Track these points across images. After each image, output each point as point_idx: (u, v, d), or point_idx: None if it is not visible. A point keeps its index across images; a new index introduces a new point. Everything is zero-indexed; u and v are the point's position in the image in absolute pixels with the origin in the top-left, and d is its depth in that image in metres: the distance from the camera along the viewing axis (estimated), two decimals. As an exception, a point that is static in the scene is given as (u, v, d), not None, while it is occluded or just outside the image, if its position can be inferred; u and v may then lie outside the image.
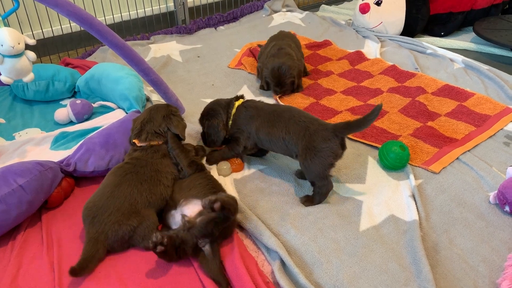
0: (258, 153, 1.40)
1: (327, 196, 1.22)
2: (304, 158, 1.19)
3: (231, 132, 1.34)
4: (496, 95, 1.75)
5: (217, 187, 1.14)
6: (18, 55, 1.25)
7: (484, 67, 1.94)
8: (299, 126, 1.21)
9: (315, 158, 1.17)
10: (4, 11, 1.79)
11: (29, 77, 1.32)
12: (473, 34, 2.26)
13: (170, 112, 1.24)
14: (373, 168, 1.37)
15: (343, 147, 1.20)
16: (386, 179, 1.32)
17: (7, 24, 1.29)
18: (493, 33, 2.17)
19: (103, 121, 1.57)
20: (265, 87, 1.83)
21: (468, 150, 1.43)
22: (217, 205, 0.96)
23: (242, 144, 1.32)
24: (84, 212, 1.06)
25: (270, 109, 1.30)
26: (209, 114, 1.36)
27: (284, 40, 1.90)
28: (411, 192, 1.25)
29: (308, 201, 1.22)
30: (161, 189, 1.11)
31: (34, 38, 2.07)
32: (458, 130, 1.53)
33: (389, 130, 1.54)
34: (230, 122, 1.34)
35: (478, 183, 1.29)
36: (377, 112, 1.09)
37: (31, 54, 1.29)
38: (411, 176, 1.30)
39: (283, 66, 1.74)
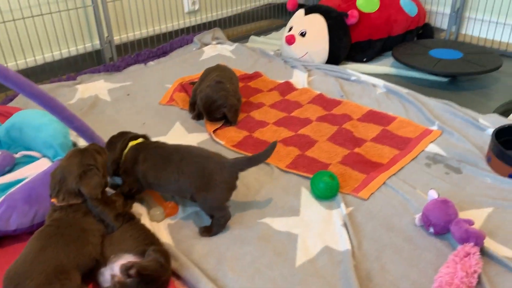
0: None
1: (225, 226, 1.26)
2: (201, 196, 1.23)
3: (121, 171, 1.34)
4: (416, 117, 1.86)
5: (149, 238, 1.10)
6: None
7: (404, 90, 2.07)
8: (193, 167, 1.24)
9: (213, 195, 1.22)
10: None
11: None
12: (392, 59, 2.41)
13: (82, 169, 1.13)
14: (306, 199, 1.40)
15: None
16: (319, 209, 1.35)
17: None
18: (410, 58, 2.32)
19: (27, 172, 1.49)
20: (196, 118, 1.86)
21: (394, 174, 1.50)
22: (133, 272, 0.93)
23: (127, 187, 1.33)
24: (4, 281, 0.98)
25: (159, 152, 1.31)
26: (108, 147, 1.36)
27: (222, 73, 1.92)
28: (343, 221, 1.29)
29: (206, 231, 1.25)
30: (89, 249, 1.06)
31: None
32: (383, 154, 1.61)
33: (319, 159, 1.59)
34: (121, 161, 1.34)
35: (404, 207, 1.35)
36: (272, 148, 1.24)
37: None
38: (342, 205, 1.34)
39: (216, 98, 1.77)
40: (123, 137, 1.38)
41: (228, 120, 1.83)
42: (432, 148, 1.65)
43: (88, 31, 2.39)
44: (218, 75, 1.88)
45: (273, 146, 1.24)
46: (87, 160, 1.15)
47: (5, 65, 2.13)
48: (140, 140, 1.38)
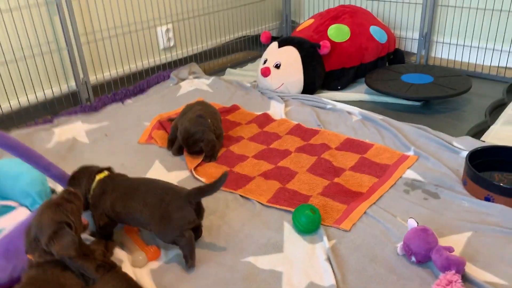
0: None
1: (195, 248, 1.27)
2: (159, 228, 1.26)
3: (90, 206, 1.35)
4: (392, 143, 1.90)
5: (133, 286, 1.09)
6: None
7: (378, 117, 2.11)
8: (155, 198, 1.27)
9: (170, 227, 1.25)
10: None
11: None
12: (366, 85, 2.47)
13: (53, 229, 1.08)
14: (289, 234, 1.40)
15: (199, 211, 1.30)
16: (302, 244, 1.36)
17: None
18: (382, 84, 2.38)
19: (5, 223, 1.46)
20: (176, 152, 1.89)
21: (374, 203, 1.52)
22: None
23: (96, 222, 1.34)
24: None
25: (127, 183, 1.35)
26: (72, 184, 1.36)
27: (204, 107, 1.97)
28: (326, 255, 1.29)
29: (188, 261, 1.27)
30: None
31: None
32: (363, 183, 1.63)
33: (300, 192, 1.60)
34: (90, 195, 1.35)
35: (386, 236, 1.37)
36: (224, 178, 1.26)
37: None
38: (325, 238, 1.35)
39: (194, 132, 1.80)
40: (87, 171, 1.39)
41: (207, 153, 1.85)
42: (410, 174, 1.68)
43: (63, 73, 2.39)
44: (200, 109, 1.93)
45: (224, 176, 1.26)
46: (58, 216, 1.11)
47: (-21, 112, 2.11)
48: (106, 173, 1.40)
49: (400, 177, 1.66)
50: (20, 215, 1.49)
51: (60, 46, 2.33)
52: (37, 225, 1.10)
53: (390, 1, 2.98)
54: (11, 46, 2.15)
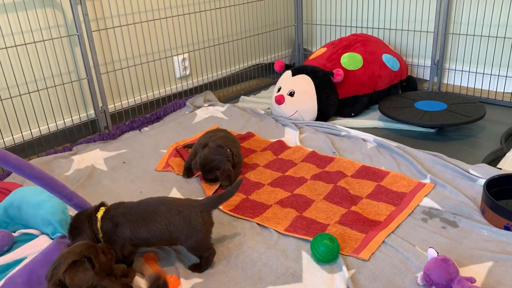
0: None
1: (212, 261, 1.39)
2: (190, 242, 1.35)
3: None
4: (408, 171, 1.91)
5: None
6: None
7: (393, 144, 2.12)
8: (179, 217, 1.34)
9: (200, 238, 1.35)
10: None
11: None
12: (379, 112, 2.49)
13: (73, 259, 1.10)
14: (308, 263, 1.40)
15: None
16: (321, 273, 1.35)
17: None
18: (396, 111, 2.40)
19: (27, 251, 1.48)
20: (186, 173, 1.97)
21: (392, 232, 1.52)
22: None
23: (119, 253, 1.34)
24: None
25: (139, 209, 1.37)
26: (73, 234, 1.36)
27: (225, 135, 2.01)
28: (346, 285, 1.29)
29: (196, 268, 1.38)
30: None
31: None
32: (380, 211, 1.63)
33: (317, 220, 1.60)
34: (100, 235, 1.35)
35: (405, 265, 1.36)
36: (238, 184, 1.43)
37: None
38: (344, 268, 1.35)
39: (212, 159, 1.84)
40: (82, 216, 1.37)
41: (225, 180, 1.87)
42: (427, 202, 1.68)
43: (82, 102, 2.45)
44: (221, 137, 1.98)
45: (239, 182, 1.43)
46: (85, 251, 1.12)
47: (1, 139, 2.17)
48: (103, 208, 1.39)
49: (418, 205, 1.66)
50: (41, 243, 1.51)
51: (80, 76, 2.40)
52: (65, 253, 1.13)
53: (402, 30, 3.03)
54: (34, 77, 2.22)
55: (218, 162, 1.85)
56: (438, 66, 2.87)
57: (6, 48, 2.09)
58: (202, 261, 1.38)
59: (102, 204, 1.42)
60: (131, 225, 1.34)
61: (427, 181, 1.81)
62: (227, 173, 1.85)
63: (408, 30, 3.01)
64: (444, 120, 2.27)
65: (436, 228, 1.53)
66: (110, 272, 1.18)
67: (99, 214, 1.37)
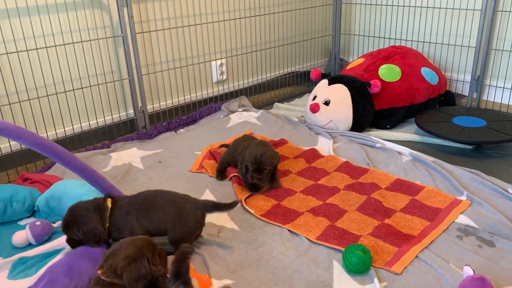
0: None
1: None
2: (175, 232, 1.41)
3: (113, 236, 1.40)
4: (444, 187, 1.87)
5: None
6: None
7: (429, 159, 2.09)
8: (174, 207, 1.43)
9: (185, 232, 1.42)
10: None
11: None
12: (416, 126, 2.46)
13: (135, 256, 1.13)
14: (339, 273, 1.40)
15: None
16: (352, 284, 1.35)
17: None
18: (433, 126, 2.37)
19: (64, 242, 1.54)
20: (243, 171, 1.85)
21: (426, 247, 1.49)
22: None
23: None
24: None
25: (141, 199, 1.44)
26: (79, 222, 1.36)
27: (263, 143, 1.99)
28: (377, 297, 1.28)
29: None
30: None
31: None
32: (414, 226, 1.61)
33: (350, 231, 1.60)
34: (107, 224, 1.39)
35: (438, 282, 1.34)
36: (234, 205, 1.49)
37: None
38: (376, 280, 1.34)
39: (266, 153, 1.82)
40: (88, 206, 1.40)
41: (272, 178, 1.89)
42: (463, 219, 1.64)
43: (123, 102, 2.53)
44: (259, 142, 1.96)
45: (235, 203, 1.51)
46: (148, 251, 1.15)
47: (46, 133, 2.26)
48: (109, 199, 1.44)
49: (453, 222, 1.63)
50: (79, 235, 1.57)
51: (122, 76, 2.48)
52: (123, 245, 1.15)
53: (442, 44, 2.99)
54: (79, 75, 2.31)
55: (271, 158, 1.81)
56: (478, 82, 2.81)
57: (55, 46, 2.18)
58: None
59: (109, 196, 1.47)
60: (137, 214, 1.41)
61: (463, 198, 1.78)
62: (277, 164, 1.88)
63: (448, 44, 2.96)
64: (483, 137, 2.22)
65: (472, 246, 1.50)
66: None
67: (109, 203, 1.42)
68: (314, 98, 2.56)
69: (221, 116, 2.78)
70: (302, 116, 2.76)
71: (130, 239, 1.18)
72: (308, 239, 1.57)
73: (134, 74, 2.44)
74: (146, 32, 2.49)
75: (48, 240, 1.59)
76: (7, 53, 2.03)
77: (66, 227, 1.38)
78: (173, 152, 2.30)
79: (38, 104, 2.20)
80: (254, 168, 1.80)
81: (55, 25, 2.18)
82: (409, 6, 3.08)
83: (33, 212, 1.76)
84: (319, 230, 1.61)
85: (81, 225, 1.36)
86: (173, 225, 1.41)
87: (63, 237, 1.57)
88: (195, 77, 2.81)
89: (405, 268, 1.40)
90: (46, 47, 2.15)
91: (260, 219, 1.70)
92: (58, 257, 1.40)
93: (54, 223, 1.66)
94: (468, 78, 2.89)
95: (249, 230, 1.63)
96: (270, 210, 1.76)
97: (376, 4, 3.27)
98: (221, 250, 1.52)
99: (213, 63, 2.88)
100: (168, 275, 1.15)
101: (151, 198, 1.45)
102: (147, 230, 1.42)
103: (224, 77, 2.96)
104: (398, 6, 3.15)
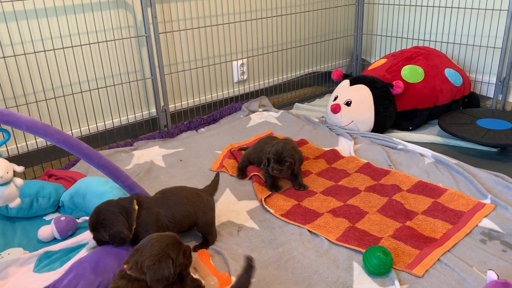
0: None
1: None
2: (205, 219, 1.54)
3: (140, 237, 1.38)
4: (467, 190, 1.84)
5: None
6: (5, 183, 1.28)
7: (452, 161, 2.06)
8: (196, 199, 1.54)
9: (211, 216, 1.57)
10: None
11: (15, 203, 1.34)
12: (438, 127, 2.42)
13: (160, 256, 1.13)
14: (359, 274, 1.39)
15: None
16: (373, 286, 1.34)
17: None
18: (457, 128, 2.33)
19: (88, 237, 1.57)
20: (265, 165, 1.89)
21: (448, 250, 1.47)
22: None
23: None
24: None
25: (165, 196, 1.53)
26: (106, 225, 1.37)
27: (287, 141, 1.98)
28: (398, 300, 1.27)
29: (203, 245, 1.53)
30: None
31: (18, 151, 2.12)
32: (436, 229, 1.59)
33: (370, 232, 1.58)
34: (134, 226, 1.41)
35: (461, 285, 1.32)
36: (218, 176, 1.72)
37: (19, 181, 1.33)
38: (396, 282, 1.33)
39: (287, 145, 1.84)
40: (114, 206, 1.41)
41: (292, 173, 1.91)
42: (487, 223, 1.62)
43: (146, 101, 2.56)
44: (284, 139, 1.96)
45: (217, 175, 1.70)
46: (172, 252, 1.15)
47: (70, 131, 2.31)
48: (135, 200, 1.47)
49: (476, 225, 1.60)
50: (102, 231, 1.60)
51: (145, 75, 2.51)
52: (149, 241, 1.16)
53: (467, 45, 2.93)
54: (103, 74, 2.35)
55: (292, 151, 1.83)
56: (504, 84, 2.75)
57: (81, 45, 2.23)
58: (209, 238, 1.55)
59: (135, 197, 1.48)
60: (165, 211, 1.47)
61: (487, 201, 1.75)
62: (301, 160, 1.89)
63: (473, 45, 2.91)
64: (509, 139, 2.17)
65: (496, 251, 1.47)
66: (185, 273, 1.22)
67: (135, 205, 1.44)
68: (335, 98, 2.54)
69: (242, 116, 2.79)
70: (323, 117, 2.75)
71: (157, 236, 1.19)
72: (328, 240, 1.56)
73: (157, 73, 2.48)
74: (169, 32, 2.52)
75: (72, 235, 1.62)
76: (34, 52, 2.09)
77: (93, 229, 1.39)
78: (194, 151, 2.32)
79: (64, 102, 2.25)
80: (275, 159, 1.83)
81: (81, 24, 2.22)
82: (433, 6, 3.04)
83: (57, 207, 1.80)
84: (339, 231, 1.60)
85: (107, 228, 1.37)
86: (202, 213, 1.53)
87: (87, 233, 1.60)
88: (216, 77, 2.83)
89: (426, 271, 1.38)
90: (72, 46, 2.20)
91: (280, 219, 1.71)
92: (82, 252, 1.43)
93: (78, 218, 1.69)
94: (493, 79, 2.83)
95: (268, 230, 1.64)
96: (290, 210, 1.76)
97: (399, 4, 3.23)
98: (241, 249, 1.53)
99: (234, 63, 2.89)
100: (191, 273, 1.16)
101: (176, 194, 1.53)
102: (174, 226, 1.48)
103: (245, 77, 2.97)
104: (421, 6, 3.11)
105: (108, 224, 1.37)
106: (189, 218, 1.51)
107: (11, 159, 1.76)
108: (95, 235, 1.40)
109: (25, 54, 2.07)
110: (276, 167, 1.82)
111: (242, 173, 2.04)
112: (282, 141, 1.89)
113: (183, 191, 1.56)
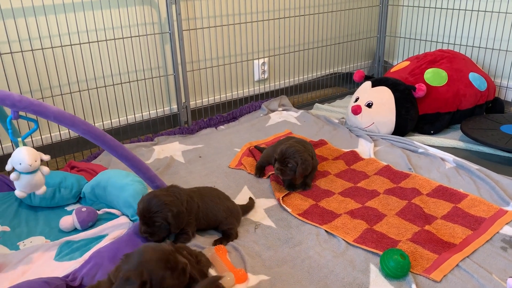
0: None
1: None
2: (231, 220, 1.61)
3: (189, 221, 1.56)
4: (489, 196, 1.81)
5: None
6: (33, 171, 1.32)
7: (474, 166, 2.03)
8: (230, 201, 1.67)
9: (238, 218, 1.66)
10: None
11: (42, 190, 1.38)
12: (460, 132, 2.39)
13: (138, 269, 1.07)
14: (376, 277, 1.38)
15: None
16: (389, 289, 1.33)
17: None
18: (480, 133, 2.29)
19: (108, 229, 1.60)
20: (258, 172, 2.05)
21: (467, 256, 1.45)
22: None
23: (190, 236, 1.55)
24: None
25: (203, 195, 1.63)
26: (169, 205, 1.47)
27: (302, 141, 1.98)
28: (414, 304, 1.26)
29: (226, 239, 1.56)
30: None
31: (42, 142, 2.17)
32: (455, 234, 1.57)
33: (388, 235, 1.57)
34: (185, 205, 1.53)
35: (480, 293, 1.30)
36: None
37: (45, 169, 1.36)
38: (413, 286, 1.31)
39: (292, 147, 1.83)
40: (173, 189, 1.55)
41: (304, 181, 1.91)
42: (508, 230, 1.59)
43: (167, 97, 2.59)
44: (296, 141, 1.94)
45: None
46: (151, 270, 1.08)
47: (93, 124, 2.34)
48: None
49: (497, 232, 1.58)
50: (121, 223, 1.63)
51: (168, 72, 2.54)
52: (142, 253, 1.10)
53: (492, 49, 2.88)
54: (127, 69, 2.39)
55: (295, 154, 1.81)
56: (530, 90, 2.70)
57: (106, 40, 2.27)
58: (232, 232, 1.59)
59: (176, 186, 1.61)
60: (205, 207, 1.59)
61: (509, 208, 1.71)
62: (307, 162, 1.82)
63: (499, 50, 2.85)
64: (533, 147, 2.13)
65: (517, 259, 1.44)
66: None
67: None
68: (357, 100, 2.53)
69: (261, 115, 2.80)
70: (343, 118, 2.74)
71: (153, 247, 1.12)
72: (345, 241, 1.56)
73: (179, 70, 2.50)
74: (192, 29, 2.55)
75: (92, 226, 1.65)
76: (61, 46, 2.13)
77: (154, 213, 1.42)
78: (213, 148, 2.34)
79: (88, 96, 2.29)
80: (278, 160, 1.84)
81: (107, 20, 2.26)
82: (459, 9, 2.99)
83: (79, 198, 1.84)
84: (357, 232, 1.59)
85: (172, 207, 1.46)
86: (230, 214, 1.61)
87: (107, 224, 1.64)
88: (237, 75, 2.85)
89: (444, 276, 1.37)
90: (98, 41, 2.24)
91: (297, 218, 1.71)
92: (102, 243, 1.46)
93: (98, 210, 1.72)
94: (519, 85, 2.78)
95: (285, 228, 1.64)
96: (307, 210, 1.76)
97: (424, 7, 3.19)
98: (257, 246, 1.54)
99: (255, 61, 2.90)
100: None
101: (209, 192, 1.65)
102: (204, 222, 1.59)
103: (266, 76, 2.98)
104: (447, 9, 3.06)
105: (171, 204, 1.47)
106: (215, 218, 1.60)
107: (36, 149, 1.79)
108: (151, 220, 1.43)
109: (52, 47, 2.12)
110: (278, 167, 1.84)
111: (260, 172, 2.04)
112: (290, 143, 1.87)
113: (217, 191, 1.68)
